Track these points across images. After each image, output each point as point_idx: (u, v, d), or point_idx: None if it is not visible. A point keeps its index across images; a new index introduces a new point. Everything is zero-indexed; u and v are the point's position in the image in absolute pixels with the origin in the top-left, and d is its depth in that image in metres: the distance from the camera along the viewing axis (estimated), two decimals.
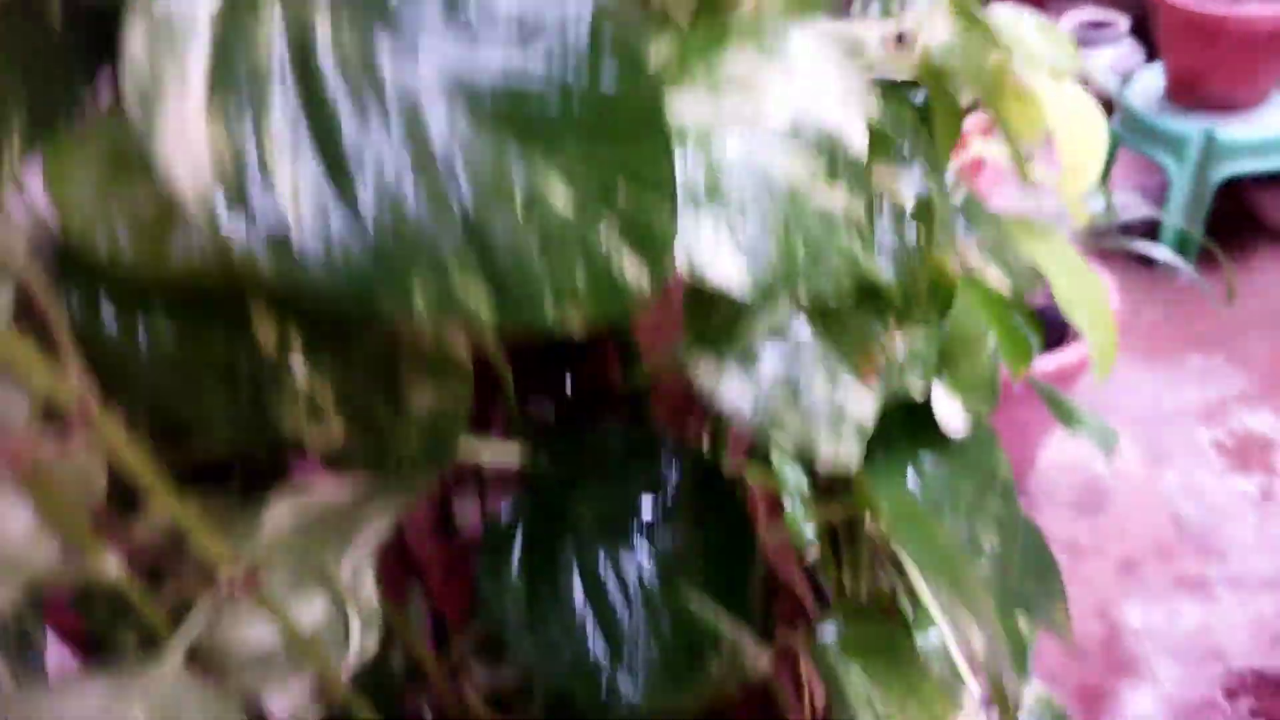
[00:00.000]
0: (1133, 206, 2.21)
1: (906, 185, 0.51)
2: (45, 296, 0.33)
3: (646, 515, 0.50)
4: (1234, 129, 2.35)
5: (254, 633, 0.44)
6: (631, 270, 0.30)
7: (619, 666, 0.48)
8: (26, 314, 0.33)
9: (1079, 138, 1.23)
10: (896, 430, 0.60)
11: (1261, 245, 2.68)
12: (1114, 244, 1.93)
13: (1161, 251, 1.86)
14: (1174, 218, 2.35)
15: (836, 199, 0.39)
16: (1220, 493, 2.08)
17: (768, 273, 0.37)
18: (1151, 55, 2.62)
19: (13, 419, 0.34)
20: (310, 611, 0.47)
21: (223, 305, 0.36)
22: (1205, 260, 2.13)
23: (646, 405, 0.55)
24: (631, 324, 0.51)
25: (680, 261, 0.36)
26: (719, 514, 0.50)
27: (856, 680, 0.58)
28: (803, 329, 0.47)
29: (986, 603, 0.53)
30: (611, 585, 0.49)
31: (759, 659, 0.49)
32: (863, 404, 0.49)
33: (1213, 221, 2.40)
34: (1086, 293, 1.25)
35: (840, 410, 0.47)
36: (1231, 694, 1.71)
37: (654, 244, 0.31)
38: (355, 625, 0.48)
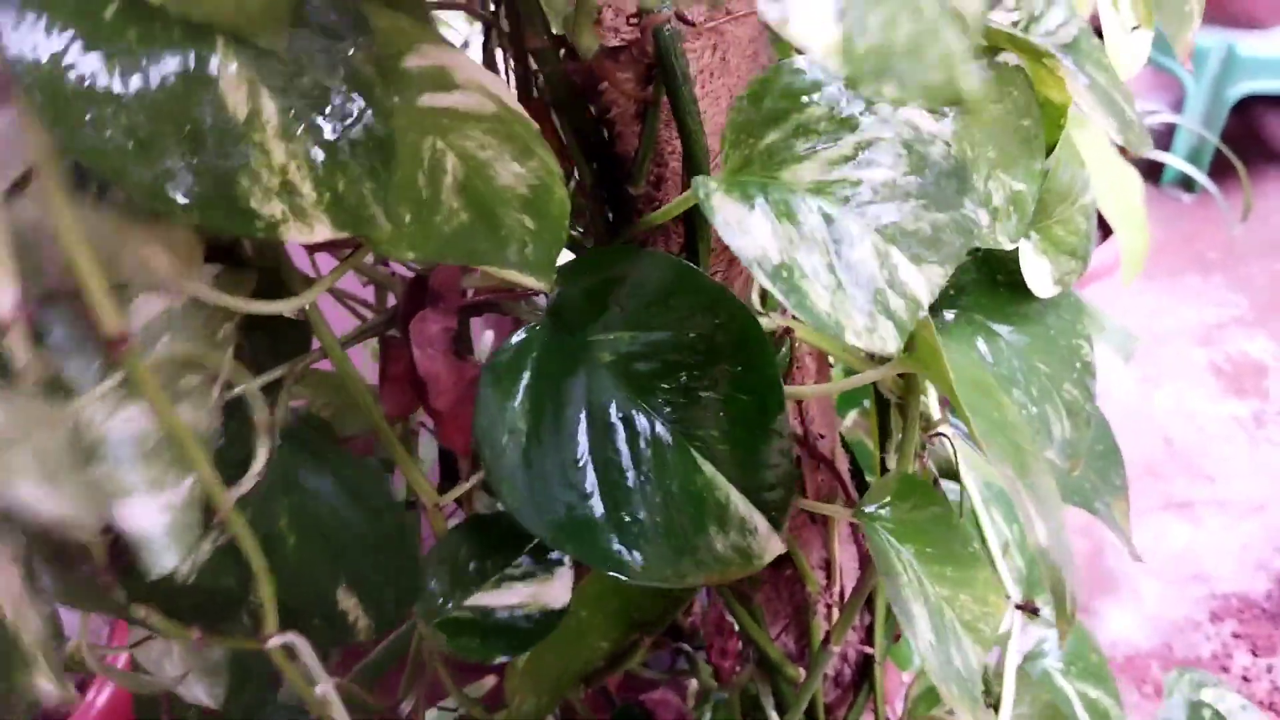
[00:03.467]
0: (1146, 117, 2.13)
1: None
2: None
3: (674, 362, 0.42)
4: (1254, 45, 2.26)
5: (126, 416, 0.37)
6: None
7: (616, 527, 0.41)
8: None
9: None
10: (972, 288, 0.53)
11: (1269, 170, 2.62)
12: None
13: (1177, 161, 1.78)
14: (1188, 133, 2.28)
15: None
16: (1212, 416, 2.04)
17: (868, 51, 0.28)
18: None
19: None
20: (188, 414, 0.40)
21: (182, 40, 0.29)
22: (1214, 182, 2.06)
23: (700, 241, 0.48)
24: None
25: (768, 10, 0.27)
26: (752, 375, 0.42)
27: (909, 564, 0.52)
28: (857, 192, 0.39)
29: (1053, 492, 0.47)
30: (621, 437, 0.42)
31: (771, 543, 0.43)
32: (918, 278, 0.41)
33: (1223, 142, 2.34)
34: (1120, 186, 1.18)
35: (891, 278, 0.39)
36: (1215, 617, 1.69)
37: None
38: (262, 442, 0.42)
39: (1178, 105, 2.40)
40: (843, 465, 0.64)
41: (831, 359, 0.62)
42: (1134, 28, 0.56)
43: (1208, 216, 2.49)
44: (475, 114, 0.35)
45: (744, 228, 0.37)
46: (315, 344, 0.49)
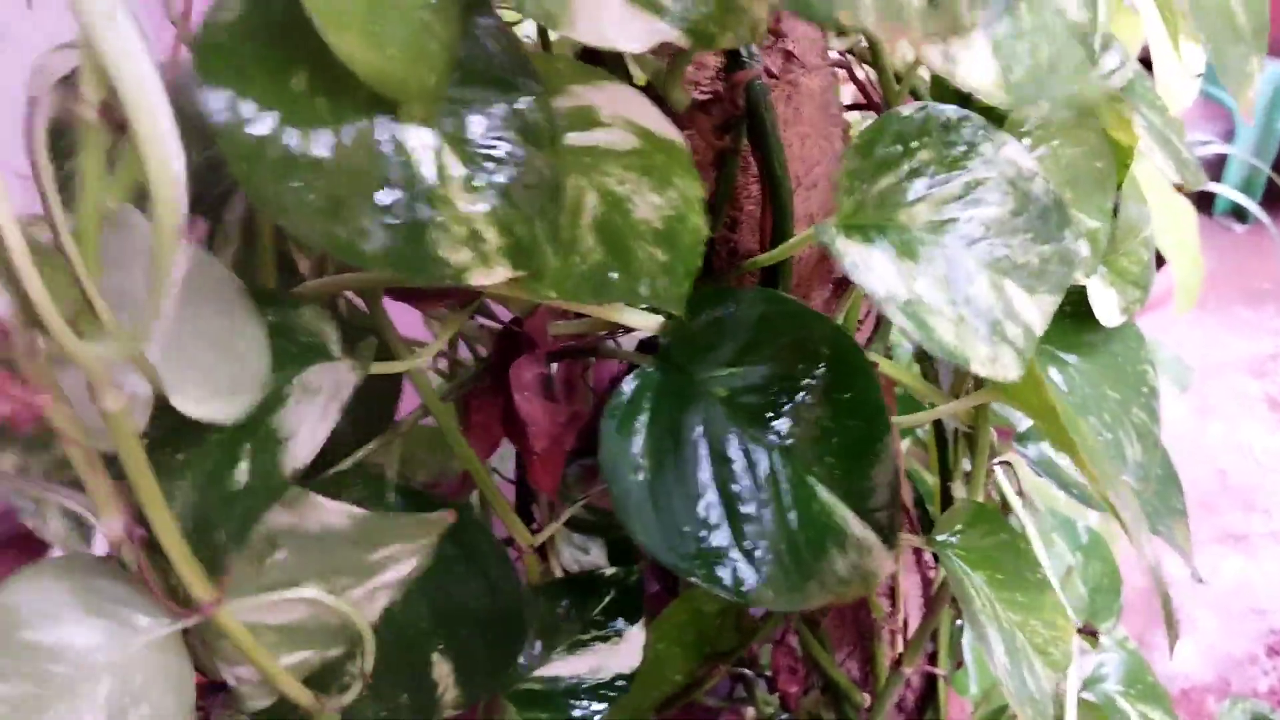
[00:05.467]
0: (1197, 149, 2.13)
1: None
2: None
3: (784, 394, 0.44)
4: None
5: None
6: None
7: (744, 556, 0.43)
8: None
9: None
10: None
11: None
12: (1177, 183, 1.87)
13: (1230, 191, 1.78)
14: (1240, 163, 2.27)
15: (1073, 1, 0.33)
16: (1267, 448, 2.02)
17: (1023, 78, 0.31)
18: None
19: None
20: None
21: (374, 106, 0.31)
22: (1265, 213, 2.05)
23: (783, 273, 0.50)
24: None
25: (934, 57, 0.30)
26: (858, 402, 0.44)
27: (980, 589, 0.53)
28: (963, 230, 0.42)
29: (1141, 515, 0.48)
30: (740, 469, 0.44)
31: (885, 563, 0.44)
32: (1032, 308, 0.43)
33: (1275, 172, 2.33)
34: (1174, 218, 1.19)
35: (1007, 309, 0.42)
36: (1273, 651, 1.67)
37: None
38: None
39: (1228, 136, 2.40)
40: (908, 495, 0.66)
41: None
42: (1198, 75, 0.58)
43: (1260, 247, 2.48)
44: (616, 150, 0.37)
45: (869, 267, 0.40)
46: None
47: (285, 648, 0.39)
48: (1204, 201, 2.55)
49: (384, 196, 0.31)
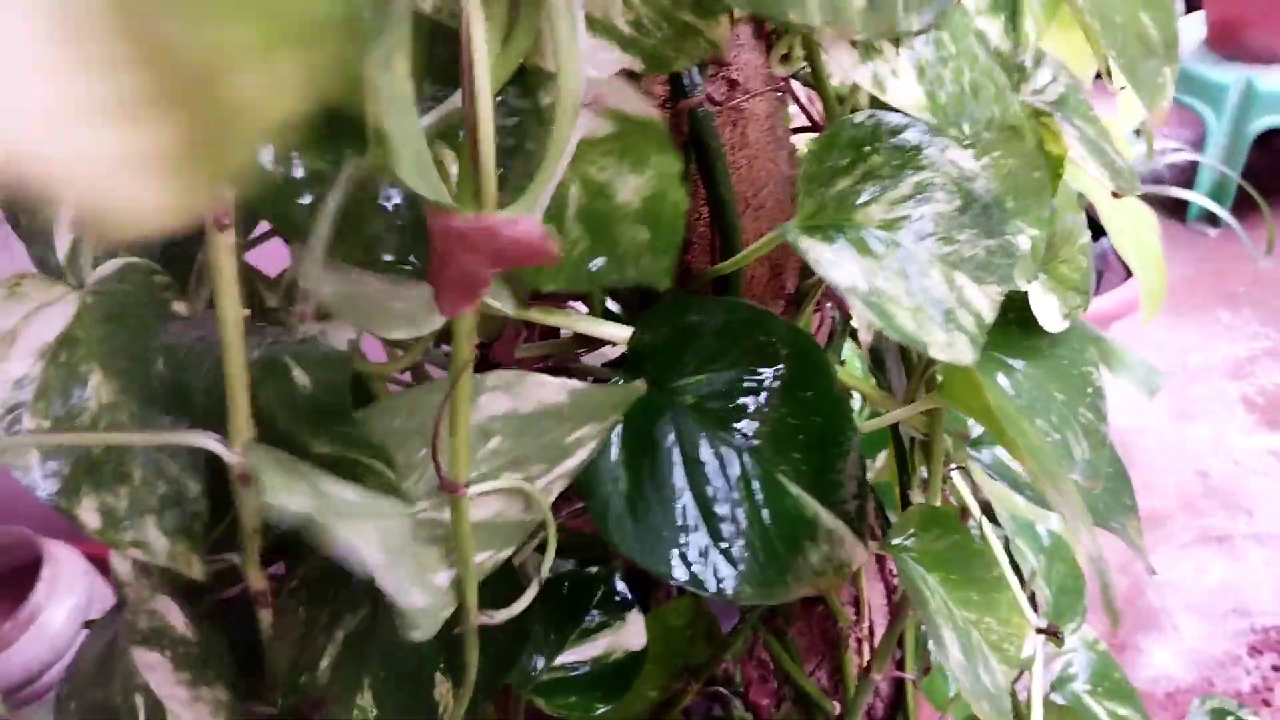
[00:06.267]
0: (1168, 155, 2.16)
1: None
2: None
3: (749, 396, 0.46)
4: (1273, 79, 2.29)
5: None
6: None
7: (719, 554, 0.45)
8: None
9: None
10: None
11: None
12: (1149, 190, 1.89)
13: (1199, 198, 1.80)
14: (1210, 168, 2.30)
15: (995, 29, 0.35)
16: (1247, 449, 2.04)
17: (947, 101, 0.33)
18: (1191, 4, 2.56)
19: None
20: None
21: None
22: (1239, 215, 2.08)
23: (734, 289, 0.51)
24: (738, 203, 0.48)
25: (864, 79, 0.32)
26: (820, 398, 0.46)
27: (935, 590, 0.55)
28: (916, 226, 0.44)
29: (1086, 511, 0.50)
30: (713, 472, 0.46)
31: (856, 551, 0.46)
32: (981, 297, 0.45)
33: (1246, 176, 2.35)
34: (1137, 228, 1.21)
35: (959, 298, 0.44)
36: (1255, 651, 1.69)
37: None
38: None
39: (1200, 141, 2.42)
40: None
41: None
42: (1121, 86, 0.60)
43: (1235, 251, 2.50)
44: (594, 137, 0.39)
45: (831, 262, 0.42)
46: None
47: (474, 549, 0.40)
48: (1178, 208, 2.58)
49: (387, 201, 0.33)
